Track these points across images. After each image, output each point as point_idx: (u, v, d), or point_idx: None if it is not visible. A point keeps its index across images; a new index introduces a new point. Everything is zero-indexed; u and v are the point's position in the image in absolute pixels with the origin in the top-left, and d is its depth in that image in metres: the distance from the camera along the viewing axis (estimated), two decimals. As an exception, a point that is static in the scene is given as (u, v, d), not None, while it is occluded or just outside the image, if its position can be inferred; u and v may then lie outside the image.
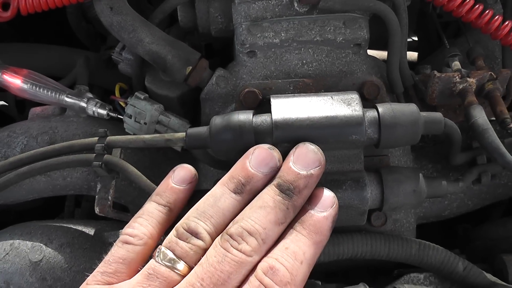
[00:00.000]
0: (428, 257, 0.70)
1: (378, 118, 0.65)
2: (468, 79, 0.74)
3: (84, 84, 0.84)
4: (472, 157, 0.75)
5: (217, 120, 0.65)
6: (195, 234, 0.56)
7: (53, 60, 0.95)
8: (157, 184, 0.67)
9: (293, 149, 0.60)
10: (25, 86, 0.79)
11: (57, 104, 0.81)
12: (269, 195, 0.57)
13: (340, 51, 0.77)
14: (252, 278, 0.53)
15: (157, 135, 0.68)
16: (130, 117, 0.76)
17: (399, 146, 0.70)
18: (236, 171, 0.60)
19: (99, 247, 0.73)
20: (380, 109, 0.65)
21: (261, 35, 0.75)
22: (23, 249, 0.73)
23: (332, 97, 0.67)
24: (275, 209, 0.56)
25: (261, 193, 0.58)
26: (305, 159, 0.59)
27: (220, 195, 0.59)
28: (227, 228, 0.56)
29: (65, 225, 0.76)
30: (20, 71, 0.80)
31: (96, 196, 0.70)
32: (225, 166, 0.74)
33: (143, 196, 0.79)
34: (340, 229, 0.70)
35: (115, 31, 0.77)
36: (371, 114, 0.65)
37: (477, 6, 0.76)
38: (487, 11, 0.76)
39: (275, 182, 0.58)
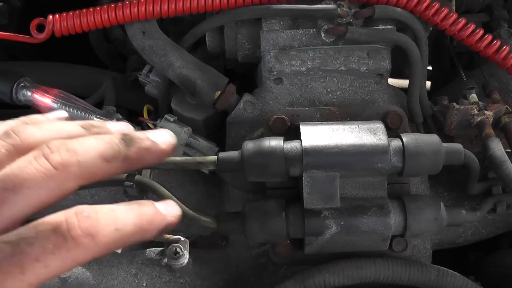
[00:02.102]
0: (446, 283, 0.72)
1: (403, 147, 0.68)
2: (485, 112, 0.77)
3: (112, 104, 0.86)
4: (487, 187, 0.78)
5: (249, 145, 0.68)
6: (17, 133, 0.51)
7: (78, 79, 0.97)
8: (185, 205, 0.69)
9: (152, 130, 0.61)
10: (55, 105, 0.81)
11: (86, 123, 0.82)
12: (110, 135, 0.55)
13: (362, 80, 0.80)
14: None
15: (189, 157, 0.71)
16: (159, 138, 0.78)
17: (421, 175, 0.73)
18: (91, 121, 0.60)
19: (126, 265, 0.75)
20: (404, 139, 0.68)
21: (289, 63, 0.78)
22: (51, 265, 0.74)
23: (358, 126, 0.69)
24: (108, 144, 0.53)
25: None
26: (160, 135, 0.58)
27: (68, 122, 0.57)
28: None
29: (92, 242, 0.77)
30: (50, 91, 0.82)
31: (126, 215, 0.72)
32: (252, 189, 0.77)
33: (167, 215, 0.81)
34: (362, 254, 0.72)
35: (146, 54, 0.79)
36: (395, 143, 0.68)
37: (494, 42, 0.79)
38: (504, 47, 0.80)
39: (123, 133, 0.56)
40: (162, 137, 0.58)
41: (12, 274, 0.43)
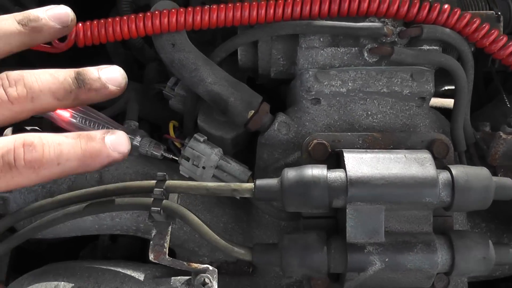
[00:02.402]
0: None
1: (452, 181, 0.63)
2: (533, 142, 0.73)
3: (134, 119, 0.81)
4: (532, 221, 0.74)
5: (290, 174, 0.63)
6: None
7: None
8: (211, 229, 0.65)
9: (107, 66, 0.64)
10: (74, 121, 0.75)
11: (107, 139, 0.77)
12: (64, 71, 0.60)
13: (404, 103, 0.75)
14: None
15: (222, 184, 0.66)
16: (187, 159, 0.73)
17: (469, 210, 0.68)
18: (30, 11, 0.63)
19: (149, 295, 0.70)
20: (453, 172, 0.64)
21: (328, 83, 0.73)
22: (69, 293, 0.69)
23: (405, 156, 0.65)
24: (61, 85, 0.59)
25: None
26: (113, 77, 0.63)
27: (5, 18, 0.61)
28: (10, 71, 0.58)
29: (112, 268, 0.72)
30: (69, 103, 0.76)
31: (151, 242, 0.67)
32: (286, 217, 0.73)
33: (192, 240, 0.76)
34: (401, 289, 0.69)
35: (175, 68, 0.74)
36: (444, 176, 0.64)
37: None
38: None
39: (78, 69, 0.61)
40: (113, 79, 0.63)
41: None
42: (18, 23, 0.61)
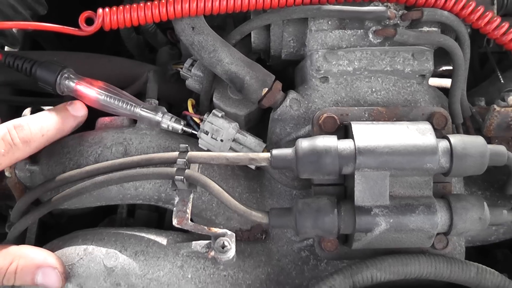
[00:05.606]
0: (485, 281, 0.74)
1: (450, 148, 0.70)
2: (524, 114, 0.79)
3: (154, 98, 0.86)
4: (524, 187, 0.81)
5: (303, 144, 0.69)
6: None
7: (113, 71, 0.96)
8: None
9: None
10: (100, 97, 0.81)
11: (130, 116, 0.83)
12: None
13: (405, 81, 0.81)
14: None
15: (241, 153, 0.72)
16: (206, 133, 0.79)
17: (466, 175, 0.75)
18: None
19: (172, 257, 0.76)
20: (452, 140, 0.70)
21: (336, 62, 0.79)
22: (98, 255, 0.75)
23: (408, 127, 0.71)
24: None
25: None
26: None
27: None
28: None
29: (137, 233, 0.78)
30: (94, 83, 0.81)
31: (174, 209, 0.73)
32: (298, 185, 0.79)
33: (210, 209, 0.82)
34: (405, 250, 0.74)
35: (195, 50, 0.80)
36: (443, 144, 0.70)
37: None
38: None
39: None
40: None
41: None
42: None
